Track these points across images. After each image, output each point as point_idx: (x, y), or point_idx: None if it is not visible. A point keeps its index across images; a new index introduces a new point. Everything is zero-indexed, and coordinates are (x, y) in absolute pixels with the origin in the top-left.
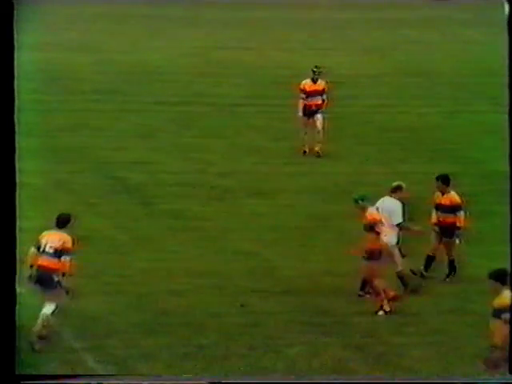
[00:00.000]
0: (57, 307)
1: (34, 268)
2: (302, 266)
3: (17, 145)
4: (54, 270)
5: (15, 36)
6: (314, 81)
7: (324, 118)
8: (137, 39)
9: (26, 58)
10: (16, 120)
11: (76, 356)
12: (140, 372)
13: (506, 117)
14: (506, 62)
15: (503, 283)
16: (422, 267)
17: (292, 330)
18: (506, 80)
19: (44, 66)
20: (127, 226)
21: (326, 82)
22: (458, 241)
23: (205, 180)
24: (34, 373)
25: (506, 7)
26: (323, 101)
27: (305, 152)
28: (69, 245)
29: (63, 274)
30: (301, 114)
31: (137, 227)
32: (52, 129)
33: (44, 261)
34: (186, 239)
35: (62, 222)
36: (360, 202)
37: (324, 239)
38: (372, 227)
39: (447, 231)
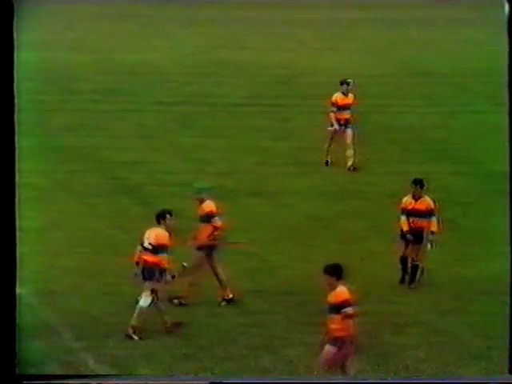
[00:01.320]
0: (153, 301)
1: (140, 264)
2: (302, 266)
3: (17, 145)
4: (153, 265)
5: (15, 36)
6: (345, 94)
7: (354, 133)
8: (137, 39)
9: (25, 58)
10: (16, 120)
11: (76, 356)
12: (140, 372)
13: (506, 117)
14: (506, 61)
15: (338, 278)
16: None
17: (292, 330)
18: (505, 80)
19: (44, 66)
20: (127, 225)
21: (355, 96)
22: (429, 246)
23: (205, 180)
24: (34, 373)
25: (506, 7)
26: (351, 114)
27: (327, 162)
28: (164, 241)
29: (162, 269)
30: (337, 127)
31: (137, 227)
32: (52, 129)
33: (145, 256)
34: (186, 239)
35: (160, 218)
36: (199, 193)
37: (324, 239)
38: (207, 219)
39: (418, 236)
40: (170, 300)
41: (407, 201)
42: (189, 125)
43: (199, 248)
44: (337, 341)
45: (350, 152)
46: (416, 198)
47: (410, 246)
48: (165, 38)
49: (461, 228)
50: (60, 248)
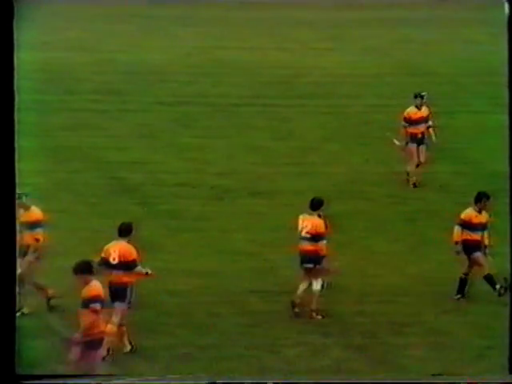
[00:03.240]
0: (324, 283)
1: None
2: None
3: (17, 145)
4: (312, 253)
5: (15, 35)
6: (418, 107)
7: (427, 149)
8: (137, 39)
9: (25, 58)
10: (16, 120)
11: None
12: (140, 372)
13: (506, 117)
14: (506, 61)
15: (90, 273)
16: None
17: (292, 330)
18: (505, 80)
19: (44, 66)
20: None
21: (429, 109)
22: (490, 258)
23: (204, 180)
24: (34, 373)
25: (506, 7)
26: (428, 128)
27: (414, 184)
28: (322, 229)
29: (322, 256)
30: (398, 143)
31: (137, 227)
32: (52, 129)
33: (303, 245)
34: (186, 239)
35: (316, 205)
36: (23, 198)
37: None
38: (32, 227)
39: (473, 249)
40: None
41: (472, 214)
42: (189, 125)
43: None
44: (88, 337)
45: (417, 168)
46: (481, 210)
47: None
48: (165, 38)
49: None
50: (60, 248)
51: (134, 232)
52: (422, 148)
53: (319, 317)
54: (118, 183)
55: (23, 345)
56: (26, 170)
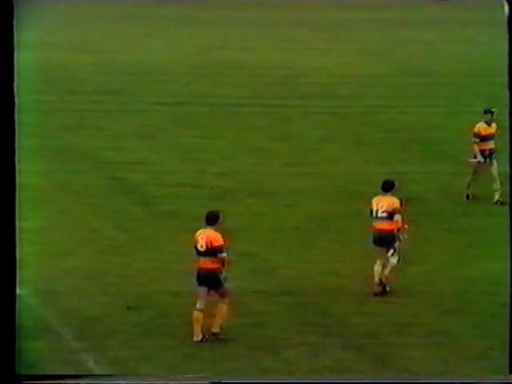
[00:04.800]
0: (400, 256)
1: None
2: (302, 266)
3: (17, 145)
4: (389, 232)
5: (15, 36)
6: (488, 123)
7: (499, 164)
8: (137, 39)
9: (26, 58)
10: (16, 120)
11: (76, 356)
12: (140, 373)
13: (506, 117)
14: (506, 61)
15: None
16: None
17: (292, 330)
18: (505, 80)
19: (44, 66)
20: (127, 226)
21: (498, 125)
22: None
23: (205, 180)
24: (34, 373)
25: (506, 7)
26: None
27: (468, 196)
28: (397, 205)
29: (398, 230)
30: (481, 159)
31: (137, 227)
32: (52, 129)
33: (380, 224)
34: (186, 240)
35: (388, 187)
36: None
37: (324, 239)
38: None
39: None
40: None
41: None
42: (189, 125)
43: None
44: None
45: (496, 185)
46: None
47: None
48: (165, 38)
49: (461, 228)
50: (60, 248)
51: (220, 219)
52: (495, 162)
53: (388, 288)
54: (118, 183)
55: (23, 345)
56: (27, 170)
